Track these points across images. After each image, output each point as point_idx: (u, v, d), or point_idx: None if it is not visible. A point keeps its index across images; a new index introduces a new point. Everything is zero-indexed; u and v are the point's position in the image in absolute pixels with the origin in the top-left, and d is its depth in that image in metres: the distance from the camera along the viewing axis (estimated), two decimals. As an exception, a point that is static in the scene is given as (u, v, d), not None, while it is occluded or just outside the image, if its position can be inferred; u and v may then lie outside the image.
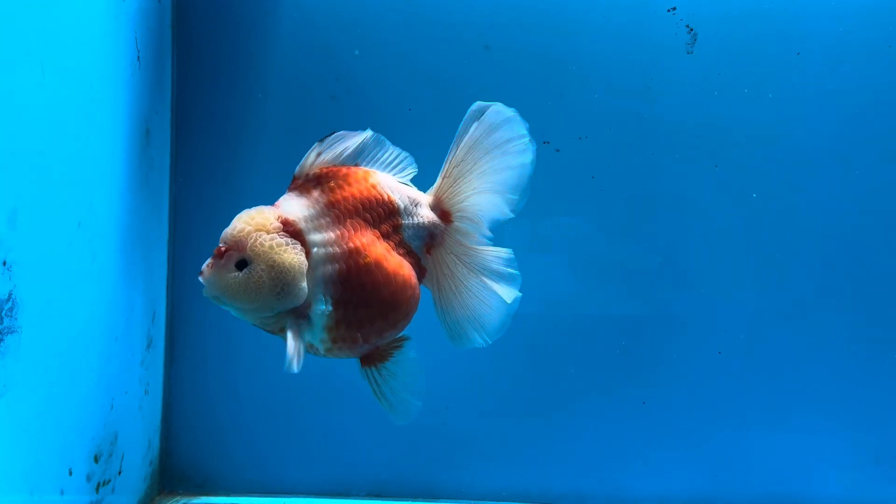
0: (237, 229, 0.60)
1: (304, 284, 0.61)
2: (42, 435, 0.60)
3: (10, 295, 0.55)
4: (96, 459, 0.70)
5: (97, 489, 0.70)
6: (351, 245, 0.64)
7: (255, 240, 0.60)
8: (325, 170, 0.65)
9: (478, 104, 0.69)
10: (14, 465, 0.56)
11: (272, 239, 0.60)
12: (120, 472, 0.75)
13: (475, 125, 0.69)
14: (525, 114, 0.88)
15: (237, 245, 0.60)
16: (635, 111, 0.87)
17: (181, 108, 0.88)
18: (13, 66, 0.56)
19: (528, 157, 0.70)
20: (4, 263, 0.55)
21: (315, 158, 0.64)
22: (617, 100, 0.87)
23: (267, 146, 0.90)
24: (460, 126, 0.69)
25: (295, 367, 0.60)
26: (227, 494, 0.86)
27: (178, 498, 0.85)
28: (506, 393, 0.87)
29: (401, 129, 0.88)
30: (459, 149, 0.70)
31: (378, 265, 0.64)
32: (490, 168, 0.70)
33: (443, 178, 0.71)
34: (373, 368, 0.68)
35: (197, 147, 0.89)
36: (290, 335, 0.61)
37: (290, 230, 0.61)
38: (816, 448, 0.84)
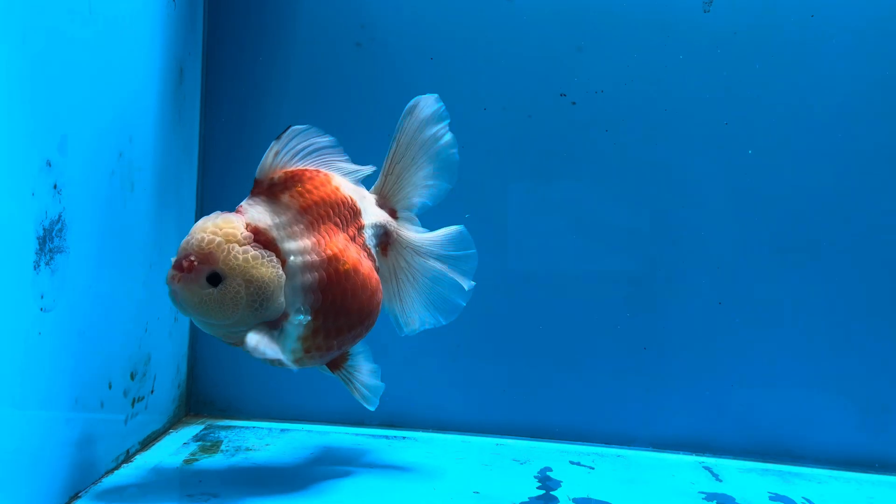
0: (205, 241, 0.57)
1: (282, 298, 0.59)
2: (85, 349, 0.65)
3: (59, 216, 0.59)
4: (132, 377, 0.75)
5: (133, 404, 0.75)
6: (329, 252, 0.62)
7: (228, 253, 0.57)
8: (288, 173, 0.63)
9: (414, 100, 0.71)
10: (61, 375, 0.61)
11: (246, 252, 0.57)
12: (152, 392, 0.80)
13: (410, 120, 0.71)
14: (544, 66, 0.91)
15: (207, 258, 0.57)
16: (652, 67, 0.89)
17: (212, 49, 0.91)
18: (66, 4, 0.59)
19: (454, 148, 0.73)
20: (55, 186, 0.59)
21: (273, 159, 0.62)
22: (634, 55, 0.90)
23: (293, 89, 0.93)
24: (400, 123, 0.71)
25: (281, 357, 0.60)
26: (249, 419, 0.91)
27: (203, 420, 0.90)
28: (514, 337, 0.92)
29: (421, 78, 0.92)
30: (399, 146, 0.71)
31: (355, 271, 0.64)
32: (426, 162, 0.72)
33: (385, 177, 0.72)
34: (342, 371, 0.69)
35: (226, 86, 0.92)
36: (256, 337, 0.59)
37: (262, 239, 0.59)
38: (808, 398, 0.88)
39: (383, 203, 0.72)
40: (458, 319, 0.91)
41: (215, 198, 0.92)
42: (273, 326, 0.60)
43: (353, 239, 0.66)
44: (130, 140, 0.72)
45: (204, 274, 0.57)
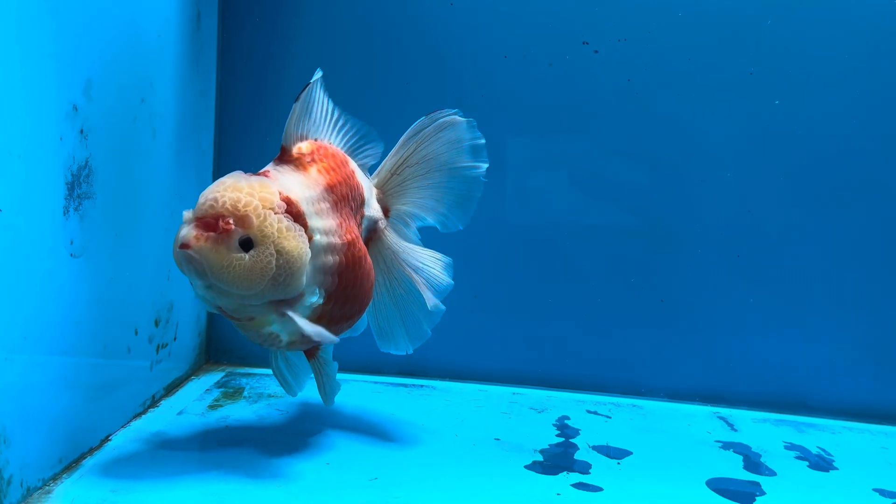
0: (242, 202, 0.52)
1: (304, 276, 0.55)
2: (113, 295, 0.65)
3: (86, 162, 0.59)
4: (156, 324, 0.75)
5: (157, 350, 0.76)
6: (349, 237, 0.59)
7: (265, 219, 0.53)
8: (314, 144, 0.60)
9: (449, 116, 0.66)
10: (91, 320, 0.62)
11: (280, 221, 0.53)
12: (175, 339, 0.80)
13: (439, 135, 0.66)
14: (568, 14, 0.90)
15: (243, 221, 0.52)
16: (675, 15, 0.88)
17: (229, -7, 0.90)
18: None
19: (480, 187, 0.69)
20: (82, 132, 0.58)
21: (297, 123, 0.58)
22: (657, 3, 0.88)
23: (309, 35, 0.91)
24: (422, 128, 0.66)
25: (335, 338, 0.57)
26: (267, 367, 0.92)
27: (223, 367, 0.91)
28: (531, 289, 0.92)
29: (441, 24, 0.90)
30: (416, 152, 0.66)
31: (365, 259, 0.61)
32: (444, 183, 0.68)
33: (391, 175, 0.68)
34: (315, 361, 0.66)
35: (242, 32, 0.90)
36: (299, 321, 0.55)
37: (293, 211, 0.55)
38: (822, 350, 0.89)
39: (381, 198, 0.68)
40: (476, 270, 0.91)
41: (232, 144, 0.92)
42: (281, 306, 0.56)
43: (358, 227, 0.64)
44: (151, 85, 0.71)
45: (237, 237, 0.52)
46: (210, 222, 0.52)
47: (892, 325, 0.88)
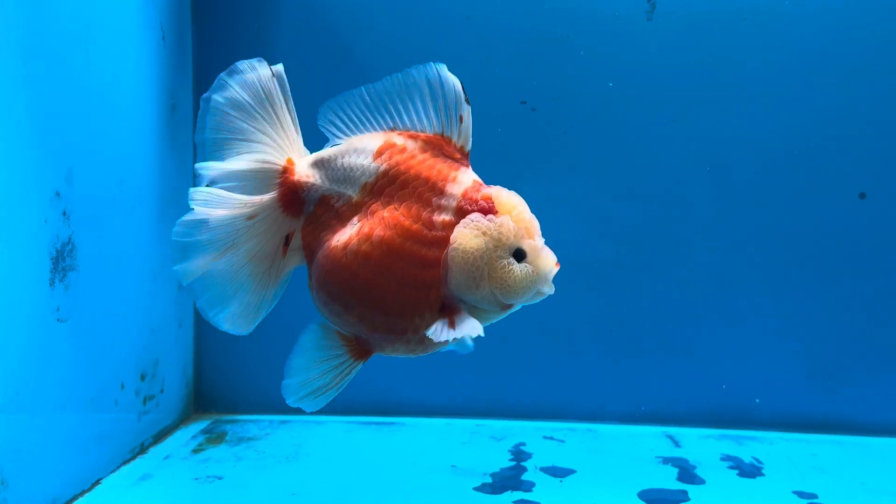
0: None
1: None
2: (98, 354, 0.74)
3: (69, 238, 0.69)
4: (142, 378, 0.84)
5: (144, 402, 0.84)
6: None
7: None
8: None
9: None
10: (78, 377, 0.70)
11: None
12: (162, 391, 0.89)
13: None
14: (507, 78, 0.99)
15: None
16: (603, 74, 0.97)
17: (201, 78, 1.00)
18: (64, 49, 0.69)
19: None
20: (64, 213, 0.68)
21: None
22: (587, 64, 0.98)
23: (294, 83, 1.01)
24: None
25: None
26: (252, 413, 1.00)
27: (211, 415, 0.99)
28: (490, 325, 0.99)
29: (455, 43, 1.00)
30: None
31: None
32: None
33: None
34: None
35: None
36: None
37: None
38: (762, 368, 0.96)
39: None
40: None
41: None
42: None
43: None
44: (129, 169, 0.81)
45: None
46: None
47: (822, 343, 0.95)
